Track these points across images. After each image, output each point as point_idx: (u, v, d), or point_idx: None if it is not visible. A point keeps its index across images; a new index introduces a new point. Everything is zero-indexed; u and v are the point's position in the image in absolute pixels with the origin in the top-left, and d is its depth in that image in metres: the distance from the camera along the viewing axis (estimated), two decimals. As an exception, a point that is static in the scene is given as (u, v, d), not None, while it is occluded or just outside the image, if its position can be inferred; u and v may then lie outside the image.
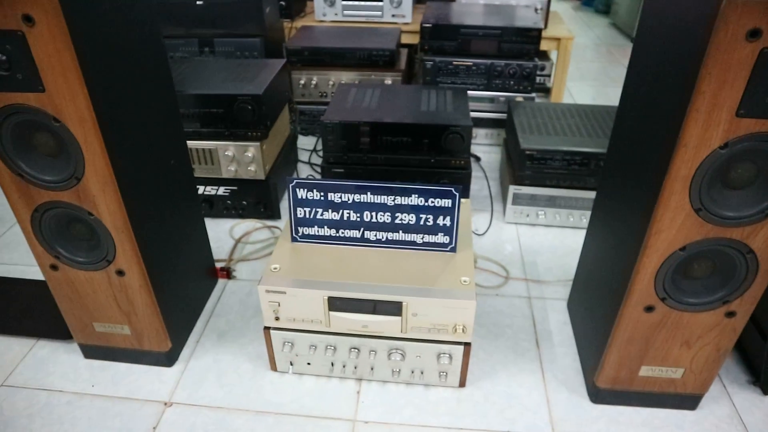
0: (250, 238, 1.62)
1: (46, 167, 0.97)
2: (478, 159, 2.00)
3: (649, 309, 0.98)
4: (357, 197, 1.09)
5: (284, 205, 1.73)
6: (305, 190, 1.10)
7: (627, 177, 1.02)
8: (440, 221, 1.10)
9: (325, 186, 1.09)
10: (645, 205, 0.90)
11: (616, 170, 1.08)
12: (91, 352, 1.23)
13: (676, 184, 0.84)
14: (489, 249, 1.57)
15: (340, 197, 1.09)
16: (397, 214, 1.10)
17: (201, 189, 1.63)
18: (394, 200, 1.09)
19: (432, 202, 1.08)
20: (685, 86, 0.78)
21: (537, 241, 1.61)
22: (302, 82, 2.07)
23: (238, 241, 1.59)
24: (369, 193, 1.09)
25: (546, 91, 2.45)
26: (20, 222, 1.03)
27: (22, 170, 0.96)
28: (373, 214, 1.10)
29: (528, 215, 1.64)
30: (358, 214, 1.11)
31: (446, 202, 1.08)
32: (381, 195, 1.08)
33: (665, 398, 1.12)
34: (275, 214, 1.67)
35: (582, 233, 1.63)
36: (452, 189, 1.06)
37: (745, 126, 0.78)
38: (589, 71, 2.99)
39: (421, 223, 1.10)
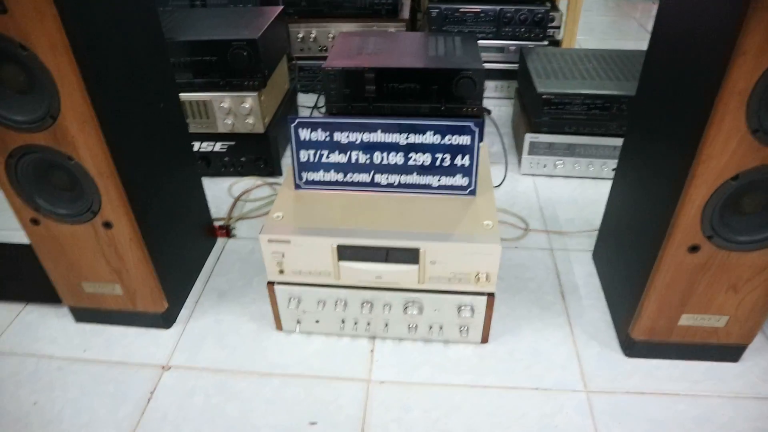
0: (250, 195, 1.52)
1: (16, 106, 0.86)
2: (489, 112, 1.88)
3: (694, 249, 0.89)
4: (366, 136, 0.99)
5: (286, 162, 1.63)
6: (309, 129, 0.99)
7: (665, 110, 0.91)
8: (458, 161, 0.99)
9: (330, 125, 0.99)
10: (693, 131, 0.80)
11: (648, 108, 0.98)
12: (83, 315, 1.14)
13: (731, 101, 0.74)
14: (505, 201, 1.47)
15: (348, 137, 0.99)
16: (410, 155, 1.00)
17: (197, 146, 1.53)
18: (407, 138, 0.98)
19: (449, 139, 0.98)
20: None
21: (556, 192, 1.50)
22: (301, 35, 1.95)
23: (237, 199, 1.49)
24: (380, 131, 0.98)
25: (556, 44, 2.32)
26: (-5, 171, 0.93)
27: (-9, 109, 0.86)
28: (384, 155, 1.00)
29: (545, 166, 1.53)
30: (368, 156, 1.01)
31: (465, 140, 0.97)
32: (393, 133, 0.98)
33: (706, 350, 1.03)
34: (276, 171, 1.56)
35: (603, 183, 1.53)
36: (471, 124, 0.96)
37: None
38: (599, 25, 2.86)
39: (437, 163, 1.00)
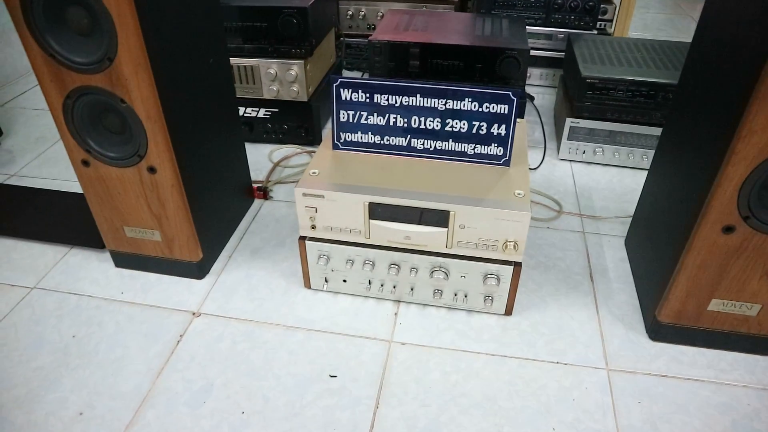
0: (290, 162, 1.56)
1: (78, 47, 0.91)
2: (531, 99, 1.87)
3: (729, 230, 0.87)
4: (405, 100, 1.00)
5: (326, 133, 1.66)
6: (350, 90, 1.02)
7: (708, 92, 0.90)
8: (495, 130, 1.00)
9: (371, 86, 1.01)
10: (734, 107, 0.79)
11: (691, 92, 0.97)
12: (123, 260, 1.19)
13: (777, 75, 0.72)
14: (541, 183, 1.47)
15: (387, 99, 1.01)
16: (447, 120, 1.01)
17: (242, 111, 1.57)
18: (445, 104, 0.99)
19: (487, 107, 0.98)
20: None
21: (593, 178, 1.49)
22: (350, 12, 1.98)
23: (276, 164, 1.53)
24: (418, 95, 1.00)
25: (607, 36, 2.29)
26: (52, 111, 0.99)
27: (53, 50, 0.90)
28: (422, 119, 1.02)
29: (584, 152, 1.52)
30: (406, 120, 1.02)
31: (502, 108, 0.98)
32: (431, 98, 0.99)
33: (735, 339, 1.01)
34: (316, 140, 1.60)
35: (642, 174, 1.50)
36: (510, 93, 0.96)
37: None
38: (654, 22, 2.80)
39: (474, 131, 1.01)
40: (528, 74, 1.98)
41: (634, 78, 1.40)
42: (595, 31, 1.89)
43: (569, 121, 1.48)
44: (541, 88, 1.98)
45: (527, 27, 1.89)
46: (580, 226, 1.32)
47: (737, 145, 0.79)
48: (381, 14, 1.97)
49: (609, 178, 1.49)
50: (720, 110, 0.85)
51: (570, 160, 1.56)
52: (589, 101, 1.44)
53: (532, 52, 1.92)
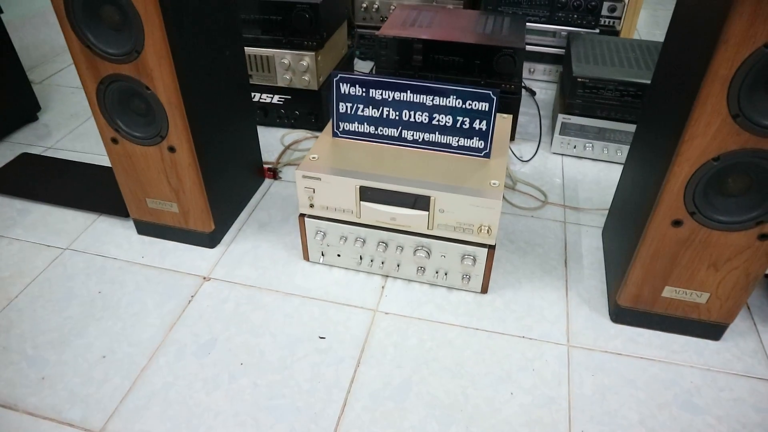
0: (299, 146, 1.68)
1: (110, 40, 1.04)
2: (533, 93, 1.96)
3: (677, 223, 0.97)
4: (397, 95, 1.12)
5: (335, 121, 1.78)
6: (348, 85, 1.13)
7: (668, 97, 0.99)
8: (476, 125, 1.11)
9: (367, 82, 1.12)
10: (680, 114, 0.89)
11: (657, 99, 1.06)
12: (144, 228, 1.34)
13: (713, 86, 0.82)
14: (531, 174, 1.57)
15: (381, 94, 1.12)
16: (434, 115, 1.12)
17: (257, 97, 1.70)
18: (432, 100, 1.11)
19: (469, 104, 1.09)
20: (734, -22, 0.75)
21: (581, 172, 1.59)
22: (364, 5, 2.08)
23: (287, 148, 1.66)
24: (409, 92, 1.11)
25: (615, 34, 2.35)
26: (87, 94, 1.12)
27: (90, 42, 1.04)
28: (412, 113, 1.13)
29: (575, 146, 1.62)
30: (398, 113, 1.14)
31: (483, 106, 1.09)
32: (420, 94, 1.11)
33: (688, 324, 1.11)
34: (325, 126, 1.71)
35: (630, 170, 1.60)
36: (490, 92, 1.07)
37: (794, 24, 0.75)
38: (665, 19, 2.84)
39: (458, 125, 1.12)
40: (532, 69, 2.07)
41: (623, 78, 1.49)
42: (598, 30, 1.97)
43: (561, 117, 1.58)
44: (544, 83, 2.07)
45: (532, 24, 1.97)
46: (562, 216, 1.42)
47: (682, 147, 0.89)
48: (394, 7, 2.07)
49: (596, 172, 1.59)
50: (672, 113, 0.94)
51: (561, 154, 1.66)
52: (580, 99, 1.53)
53: (537, 49, 2.01)
